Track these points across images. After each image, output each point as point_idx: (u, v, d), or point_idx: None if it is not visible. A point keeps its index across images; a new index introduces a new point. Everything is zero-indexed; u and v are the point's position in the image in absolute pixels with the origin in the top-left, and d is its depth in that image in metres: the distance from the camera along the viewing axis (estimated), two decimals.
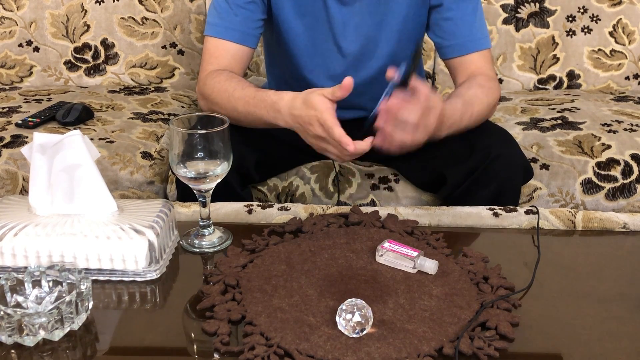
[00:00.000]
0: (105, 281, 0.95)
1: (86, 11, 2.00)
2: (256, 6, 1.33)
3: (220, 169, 0.98)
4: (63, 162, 0.97)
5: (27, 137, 1.59)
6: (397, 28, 1.37)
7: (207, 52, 1.35)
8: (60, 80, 2.05)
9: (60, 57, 2.03)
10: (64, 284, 0.88)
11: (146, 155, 1.57)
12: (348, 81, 1.05)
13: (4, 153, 1.55)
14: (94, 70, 2.03)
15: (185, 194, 1.27)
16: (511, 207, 1.16)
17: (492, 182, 1.26)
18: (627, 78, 1.97)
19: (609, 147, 1.54)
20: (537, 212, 1.13)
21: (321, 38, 1.37)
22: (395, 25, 1.36)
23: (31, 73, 2.04)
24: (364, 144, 1.08)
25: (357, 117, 1.49)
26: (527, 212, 1.14)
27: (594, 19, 1.95)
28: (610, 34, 1.95)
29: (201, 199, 1.02)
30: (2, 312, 0.80)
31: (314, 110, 1.08)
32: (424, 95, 1.08)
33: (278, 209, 1.16)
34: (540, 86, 2.00)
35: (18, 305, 0.87)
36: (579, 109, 1.76)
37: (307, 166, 1.49)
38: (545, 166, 1.50)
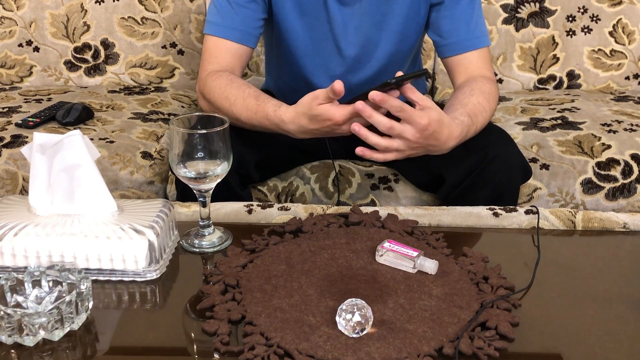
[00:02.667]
0: (105, 281, 0.95)
1: (86, 11, 2.00)
2: (257, 5, 1.33)
3: (220, 169, 0.98)
4: (63, 162, 0.97)
5: (27, 137, 1.59)
6: (397, 28, 1.37)
7: (207, 51, 1.34)
8: (60, 80, 2.05)
9: (60, 57, 2.03)
10: (64, 284, 0.88)
11: (146, 155, 1.57)
12: (339, 86, 1.03)
13: (4, 153, 1.55)
14: (94, 70, 2.04)
15: (185, 194, 1.27)
16: (511, 207, 1.16)
17: (490, 181, 1.26)
18: (627, 78, 1.97)
19: (609, 147, 1.54)
20: (537, 212, 1.13)
21: (321, 38, 1.37)
22: (395, 25, 1.36)
23: (31, 73, 2.04)
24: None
25: None
26: (527, 212, 1.14)
27: (594, 19, 1.95)
28: (610, 34, 1.95)
29: (201, 199, 1.02)
30: (2, 312, 0.80)
31: (329, 121, 1.07)
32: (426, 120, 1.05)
33: (278, 209, 1.16)
34: (540, 86, 2.00)
35: (18, 305, 0.87)
36: (579, 109, 1.76)
37: (307, 166, 1.49)
38: (545, 166, 1.50)
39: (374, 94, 1.01)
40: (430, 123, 1.04)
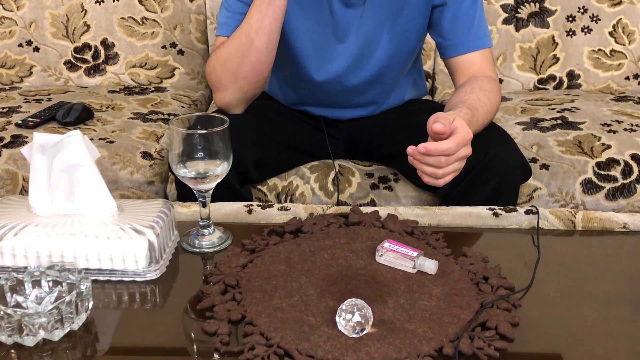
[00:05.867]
0: (105, 281, 0.95)
1: (86, 11, 2.00)
2: None
3: (220, 169, 0.98)
4: (63, 162, 0.97)
5: (27, 137, 1.59)
6: (399, 29, 1.37)
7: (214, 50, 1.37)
8: (60, 80, 2.05)
9: (60, 57, 2.03)
10: (64, 284, 0.88)
11: (146, 155, 1.57)
12: None
13: (4, 153, 1.55)
14: (94, 70, 2.03)
15: (185, 194, 1.27)
16: (511, 207, 1.16)
17: (489, 181, 1.26)
18: (627, 78, 1.97)
19: (609, 147, 1.54)
20: (537, 212, 1.13)
21: (324, 40, 1.37)
22: (397, 26, 1.36)
23: (31, 73, 2.04)
24: None
25: (356, 117, 1.50)
26: (527, 212, 1.14)
27: (594, 19, 1.95)
28: (610, 34, 1.95)
29: (201, 199, 1.02)
30: (2, 312, 0.80)
31: None
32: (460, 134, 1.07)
33: (278, 209, 1.16)
34: (540, 86, 2.00)
35: (18, 305, 0.87)
36: (579, 109, 1.76)
37: (307, 166, 1.49)
38: (545, 166, 1.50)
39: (420, 150, 1.05)
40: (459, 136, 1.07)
